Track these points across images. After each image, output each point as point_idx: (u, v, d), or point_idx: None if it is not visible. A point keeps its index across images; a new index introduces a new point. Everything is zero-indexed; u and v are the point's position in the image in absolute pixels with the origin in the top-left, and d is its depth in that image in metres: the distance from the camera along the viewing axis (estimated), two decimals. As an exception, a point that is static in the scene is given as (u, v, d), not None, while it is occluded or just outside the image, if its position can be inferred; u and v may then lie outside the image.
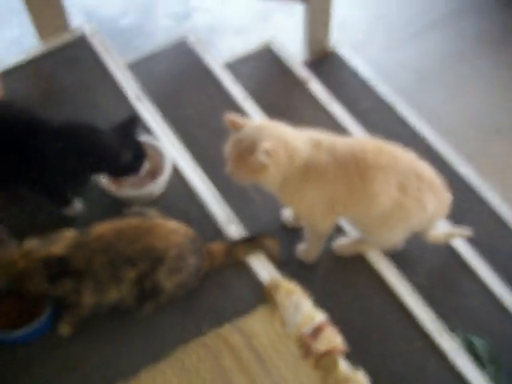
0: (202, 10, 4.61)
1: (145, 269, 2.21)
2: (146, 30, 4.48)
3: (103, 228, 2.26)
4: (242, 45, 3.97)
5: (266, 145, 2.11)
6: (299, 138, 2.26)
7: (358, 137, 2.47)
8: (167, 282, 2.25)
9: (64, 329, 2.36)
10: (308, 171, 2.27)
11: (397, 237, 2.62)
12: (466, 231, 2.78)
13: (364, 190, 2.31)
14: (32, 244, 2.23)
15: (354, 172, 2.29)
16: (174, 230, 2.30)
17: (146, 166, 2.50)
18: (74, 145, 2.40)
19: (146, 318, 2.37)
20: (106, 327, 2.38)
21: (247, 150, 2.16)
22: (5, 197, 2.70)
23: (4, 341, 2.35)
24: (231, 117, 2.25)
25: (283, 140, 2.20)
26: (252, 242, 2.49)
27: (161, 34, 4.40)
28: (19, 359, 2.34)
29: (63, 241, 2.23)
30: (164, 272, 2.24)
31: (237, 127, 2.24)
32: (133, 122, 2.47)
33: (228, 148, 2.25)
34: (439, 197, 2.46)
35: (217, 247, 2.46)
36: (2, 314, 2.37)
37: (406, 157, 2.42)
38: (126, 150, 2.40)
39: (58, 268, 2.19)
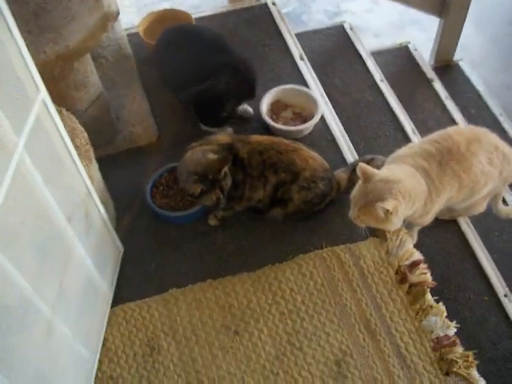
0: (350, 12, 4.65)
1: (283, 178, 2.31)
2: (302, 19, 4.55)
3: (262, 138, 2.37)
4: (377, 45, 3.98)
5: (387, 205, 1.97)
6: (414, 176, 2.14)
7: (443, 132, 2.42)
8: (296, 194, 2.34)
9: (213, 220, 2.48)
10: (429, 192, 2.17)
11: (482, 203, 2.54)
12: None
13: (468, 178, 2.23)
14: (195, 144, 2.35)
15: (458, 168, 2.20)
16: (313, 157, 2.38)
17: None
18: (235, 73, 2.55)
19: (279, 226, 2.47)
20: (243, 225, 2.50)
21: (373, 202, 2.02)
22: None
23: (166, 218, 2.48)
24: (363, 166, 2.08)
25: (407, 191, 2.04)
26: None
27: (313, 24, 4.43)
28: (173, 237, 2.48)
29: (222, 137, 2.35)
30: (296, 186, 2.33)
31: (366, 177, 2.07)
32: None
33: (355, 195, 2.12)
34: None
35: (342, 176, 2.52)
36: (169, 197, 2.51)
37: (489, 136, 2.34)
38: None
39: (231, 152, 2.28)
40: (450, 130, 2.33)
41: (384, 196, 2.01)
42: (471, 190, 2.31)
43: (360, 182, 2.13)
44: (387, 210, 2.00)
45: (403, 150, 2.30)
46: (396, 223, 2.10)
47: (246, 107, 2.85)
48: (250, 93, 2.69)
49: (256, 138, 2.37)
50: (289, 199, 2.36)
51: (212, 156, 2.23)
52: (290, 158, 2.32)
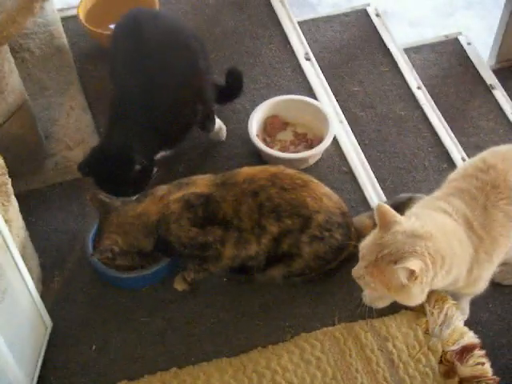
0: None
1: (289, 226, 2.29)
2: (309, 1, 4.53)
3: (254, 170, 2.36)
4: (414, 38, 3.98)
5: (412, 265, 1.90)
6: (453, 232, 2.11)
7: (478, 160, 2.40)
8: (307, 247, 2.33)
9: (180, 284, 2.47)
10: (475, 251, 2.15)
11: None
12: None
13: None
14: (162, 189, 2.34)
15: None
16: (329, 195, 2.39)
17: None
18: None
19: (274, 292, 2.47)
20: (223, 291, 2.50)
21: (388, 259, 1.97)
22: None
23: (114, 280, 2.49)
24: (383, 208, 2.05)
25: (439, 253, 1.99)
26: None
27: (325, 8, 4.37)
28: (124, 307, 2.48)
29: (202, 181, 2.34)
30: (306, 236, 2.32)
31: (385, 223, 2.03)
32: None
33: (365, 245, 2.08)
34: None
35: (366, 222, 2.50)
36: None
37: None
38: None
39: (206, 208, 2.28)
40: (487, 155, 2.34)
41: (404, 254, 1.96)
42: None
43: (376, 229, 2.10)
44: (412, 272, 1.93)
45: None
46: (417, 296, 2.05)
47: (220, 125, 2.87)
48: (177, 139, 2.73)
49: (245, 172, 2.37)
50: (296, 254, 2.36)
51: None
52: (299, 196, 2.32)
